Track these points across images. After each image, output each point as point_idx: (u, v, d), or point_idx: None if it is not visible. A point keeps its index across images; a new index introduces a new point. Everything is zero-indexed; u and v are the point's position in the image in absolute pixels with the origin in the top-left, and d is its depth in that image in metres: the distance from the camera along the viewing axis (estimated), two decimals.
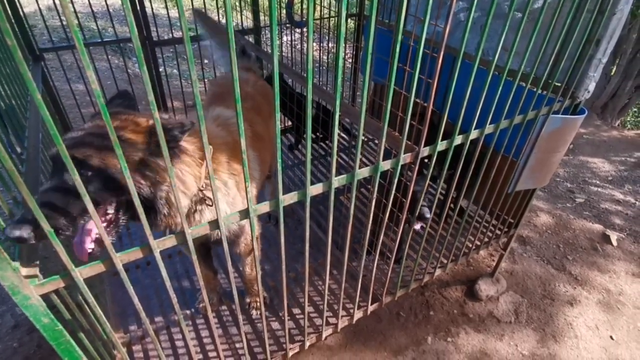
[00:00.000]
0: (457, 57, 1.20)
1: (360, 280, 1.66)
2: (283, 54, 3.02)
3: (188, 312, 1.99)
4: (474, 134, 1.48)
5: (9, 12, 2.03)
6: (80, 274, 0.92)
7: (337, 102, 1.04)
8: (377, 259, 1.66)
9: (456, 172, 1.59)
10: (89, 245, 1.10)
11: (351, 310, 1.86)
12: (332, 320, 1.85)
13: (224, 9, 0.78)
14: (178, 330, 1.90)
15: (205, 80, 4.92)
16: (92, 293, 1.14)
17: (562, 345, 2.38)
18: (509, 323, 2.48)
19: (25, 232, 0.89)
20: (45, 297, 0.95)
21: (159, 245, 0.99)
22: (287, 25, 2.95)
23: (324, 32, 3.33)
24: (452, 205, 2.39)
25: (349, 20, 2.97)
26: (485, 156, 1.66)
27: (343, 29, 0.94)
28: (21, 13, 2.08)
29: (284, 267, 1.32)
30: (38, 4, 2.23)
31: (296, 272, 2.27)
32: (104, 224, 1.13)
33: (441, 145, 1.42)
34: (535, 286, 2.74)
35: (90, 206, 0.80)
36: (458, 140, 1.45)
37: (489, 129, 1.52)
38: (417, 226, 1.87)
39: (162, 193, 1.16)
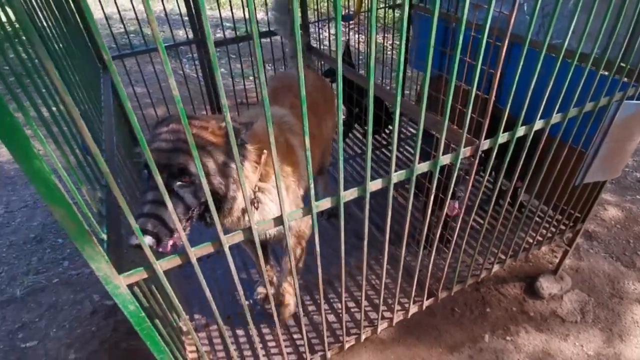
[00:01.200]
0: (521, 44, 1.14)
1: (416, 275, 1.64)
2: (331, 48, 3.01)
3: (247, 303, 2.08)
4: (538, 125, 1.41)
5: (80, 23, 2.21)
6: (161, 266, 1.00)
7: (398, 100, 1.03)
8: (434, 253, 1.63)
9: (517, 165, 1.52)
10: (170, 243, 1.17)
11: (406, 305, 1.85)
12: (387, 314, 1.85)
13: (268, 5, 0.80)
14: (238, 320, 2.00)
15: (250, 77, 5.06)
16: (159, 284, 1.23)
17: (628, 344, 2.22)
18: (574, 323, 2.35)
19: (149, 240, 1.05)
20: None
21: (229, 240, 1.04)
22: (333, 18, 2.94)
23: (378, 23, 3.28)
24: (510, 200, 2.28)
25: (395, 10, 2.90)
26: (550, 148, 1.57)
27: (405, 23, 0.93)
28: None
29: (343, 261, 1.34)
30: (104, 13, 2.39)
31: (349, 267, 2.29)
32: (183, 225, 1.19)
33: (503, 138, 1.36)
34: (603, 284, 2.56)
35: (174, 216, 0.90)
36: (521, 131, 1.38)
37: (555, 118, 1.44)
38: (454, 206, 1.81)
39: (232, 193, 1.21)
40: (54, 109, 1.18)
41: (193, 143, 0.81)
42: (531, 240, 2.12)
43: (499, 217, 1.75)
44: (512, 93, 1.24)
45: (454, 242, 1.63)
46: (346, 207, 1.18)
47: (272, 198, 1.47)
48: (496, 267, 2.05)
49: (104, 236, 1.07)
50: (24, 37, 1.13)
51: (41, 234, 2.93)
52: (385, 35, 4.22)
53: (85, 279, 2.60)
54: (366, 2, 2.81)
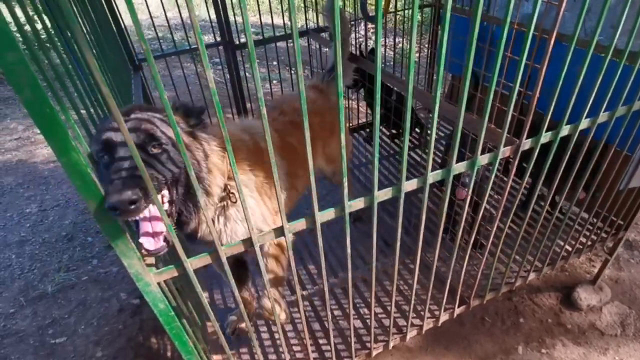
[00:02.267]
0: (561, 41, 1.07)
1: (449, 281, 1.58)
2: (358, 48, 2.98)
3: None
4: (584, 124, 1.33)
5: (113, 27, 2.27)
6: (191, 264, 0.98)
7: (437, 102, 0.99)
8: (466, 259, 1.57)
9: (559, 168, 1.44)
10: (161, 243, 1.04)
11: (436, 312, 1.78)
12: (417, 321, 1.79)
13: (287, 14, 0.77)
14: (262, 322, 1.97)
15: (274, 81, 5.09)
16: (178, 286, 1.22)
17: None
18: (614, 336, 2.21)
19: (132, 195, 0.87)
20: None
21: (260, 239, 1.02)
22: (361, 19, 2.91)
23: (399, 26, 3.23)
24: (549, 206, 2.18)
25: (424, 10, 2.85)
26: (595, 150, 1.48)
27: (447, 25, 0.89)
28: (122, 26, 2.30)
29: (374, 264, 1.29)
30: (135, 17, 2.44)
31: (377, 271, 2.23)
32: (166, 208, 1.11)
33: (545, 137, 1.29)
34: None
35: (150, 185, 0.80)
36: (565, 131, 1.31)
37: (603, 117, 1.35)
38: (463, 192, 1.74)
39: (203, 174, 1.20)
40: (84, 110, 1.19)
41: (172, 118, 0.76)
42: (570, 249, 2.01)
43: (536, 223, 1.67)
44: (555, 94, 1.17)
45: (488, 247, 1.56)
46: (364, 212, 1.13)
47: (250, 192, 1.42)
48: (532, 276, 1.95)
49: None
50: (58, 43, 1.13)
51: (72, 233, 3.01)
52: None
53: (112, 277, 2.64)
54: (393, 3, 2.76)
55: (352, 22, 3.06)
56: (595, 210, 1.84)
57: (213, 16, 2.57)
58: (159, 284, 0.99)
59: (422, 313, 1.69)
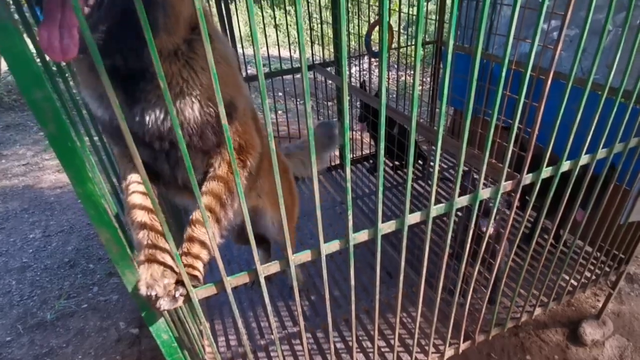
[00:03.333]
0: (558, 80, 1.12)
1: (452, 316, 1.56)
2: (361, 81, 3.08)
3: (269, 338, 2.02)
4: (584, 159, 1.35)
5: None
6: (197, 294, 0.99)
7: (440, 135, 1.02)
8: (470, 294, 1.55)
9: (561, 201, 1.46)
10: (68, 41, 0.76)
11: (441, 348, 1.74)
12: (421, 356, 1.75)
13: (296, 44, 0.81)
14: (263, 354, 1.93)
15: (279, 111, 5.21)
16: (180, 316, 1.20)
17: None
18: None
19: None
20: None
21: (264, 270, 1.03)
22: (365, 54, 3.03)
23: (402, 61, 3.34)
24: (553, 240, 2.18)
25: (426, 46, 2.96)
26: (595, 185, 1.50)
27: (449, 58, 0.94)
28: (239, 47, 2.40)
29: (377, 297, 1.29)
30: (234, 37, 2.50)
31: (370, 305, 2.21)
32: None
33: (546, 172, 1.32)
34: None
35: None
36: (565, 166, 1.33)
37: (601, 153, 1.38)
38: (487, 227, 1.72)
39: None
40: (95, 138, 1.23)
41: None
42: (575, 283, 1.99)
43: (540, 257, 1.67)
44: (554, 130, 1.21)
45: (492, 280, 1.55)
46: (366, 244, 1.14)
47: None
48: (538, 311, 1.92)
49: None
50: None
51: (74, 259, 3.00)
52: (411, 71, 4.28)
53: (112, 305, 2.61)
54: (396, 39, 2.88)
55: (356, 56, 3.18)
56: (598, 243, 1.84)
57: None
58: (163, 314, 0.99)
59: (427, 348, 1.65)
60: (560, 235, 1.72)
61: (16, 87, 6.06)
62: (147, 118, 0.98)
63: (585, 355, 2.22)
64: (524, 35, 2.05)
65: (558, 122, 1.19)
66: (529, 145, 1.21)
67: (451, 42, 0.93)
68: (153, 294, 0.87)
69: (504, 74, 1.01)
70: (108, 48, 0.71)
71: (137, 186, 1.05)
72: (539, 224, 1.50)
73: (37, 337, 2.41)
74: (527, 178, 1.29)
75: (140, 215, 1.00)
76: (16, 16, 0.87)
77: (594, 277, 2.04)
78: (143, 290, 0.86)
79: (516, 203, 1.34)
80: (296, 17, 0.71)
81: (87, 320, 2.50)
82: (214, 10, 2.50)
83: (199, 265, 1.04)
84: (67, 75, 1.15)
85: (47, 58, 0.91)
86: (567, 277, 1.95)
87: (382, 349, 1.93)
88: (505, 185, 1.27)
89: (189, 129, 1.01)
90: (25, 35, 0.61)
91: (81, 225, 3.38)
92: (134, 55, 0.89)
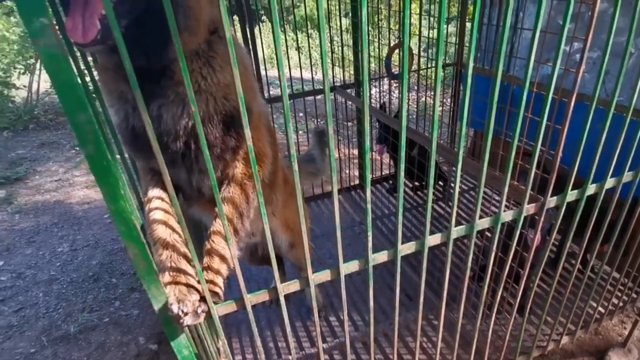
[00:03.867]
0: (581, 101, 1.11)
1: (475, 342, 1.51)
2: (381, 103, 3.12)
3: (286, 359, 2.00)
4: (609, 183, 1.32)
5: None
6: (217, 311, 1.00)
7: (460, 156, 1.03)
8: (493, 319, 1.51)
9: (588, 225, 1.42)
10: (88, 23, 0.81)
11: None
12: None
13: (317, 66, 0.84)
14: None
15: (300, 131, 5.29)
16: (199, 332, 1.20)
17: None
18: None
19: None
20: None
21: (284, 289, 1.04)
22: (385, 76, 3.07)
23: (422, 82, 3.37)
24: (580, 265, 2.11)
25: (446, 69, 2.98)
26: (623, 209, 1.46)
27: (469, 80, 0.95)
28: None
29: (396, 319, 1.27)
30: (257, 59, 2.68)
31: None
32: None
33: (571, 195, 1.29)
34: None
35: None
36: (591, 189, 1.30)
37: (627, 176, 1.35)
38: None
39: None
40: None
41: None
42: (603, 310, 1.90)
43: (567, 282, 1.61)
44: (579, 153, 1.19)
45: (516, 306, 1.50)
46: (391, 263, 1.13)
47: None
48: (565, 340, 1.84)
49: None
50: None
51: (98, 273, 3.08)
52: (431, 92, 4.31)
53: (133, 320, 2.65)
54: (416, 61, 2.92)
55: (376, 78, 3.23)
56: (625, 269, 1.77)
57: None
58: (184, 330, 1.01)
59: None
60: (587, 260, 1.66)
61: (52, 107, 6.41)
62: (165, 115, 0.99)
63: None
64: (546, 58, 2.04)
65: (582, 143, 1.17)
66: (553, 167, 1.20)
67: (471, 64, 0.95)
68: (184, 310, 0.89)
69: (525, 95, 1.02)
70: (130, 46, 0.73)
71: (158, 202, 1.06)
72: (565, 248, 1.46)
73: (60, 350, 2.46)
74: (551, 201, 1.27)
75: (161, 233, 1.02)
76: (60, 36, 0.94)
77: (621, 303, 1.96)
78: (175, 307, 0.89)
79: (540, 225, 1.31)
80: (320, 42, 0.74)
81: (108, 335, 2.55)
82: (239, 34, 2.60)
83: (220, 281, 1.06)
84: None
85: (74, 47, 0.92)
86: (594, 304, 1.87)
87: None
88: (528, 208, 1.25)
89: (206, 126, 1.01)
90: (71, 62, 0.66)
91: (106, 241, 3.48)
92: (157, 53, 0.92)
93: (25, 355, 2.44)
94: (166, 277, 0.96)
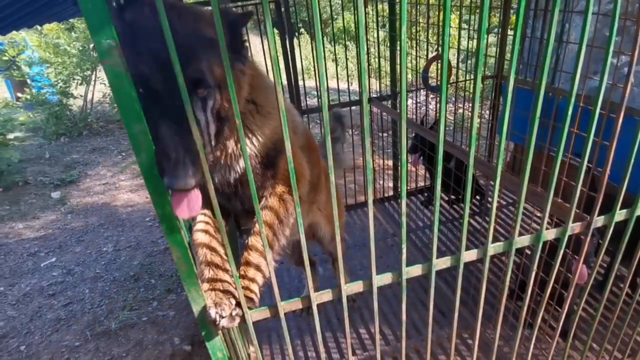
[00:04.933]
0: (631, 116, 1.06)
1: None
2: (418, 115, 3.10)
3: None
4: None
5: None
6: (251, 317, 1.03)
7: (499, 171, 1.01)
8: (533, 342, 1.44)
9: (637, 248, 1.33)
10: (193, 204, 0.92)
11: None
12: None
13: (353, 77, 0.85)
14: None
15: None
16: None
17: None
18: None
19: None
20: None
21: (317, 298, 1.05)
22: (422, 88, 3.05)
23: (459, 94, 3.32)
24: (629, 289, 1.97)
25: (486, 81, 2.92)
26: None
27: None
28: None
29: (429, 336, 1.25)
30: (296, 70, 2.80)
31: (420, 344, 2.11)
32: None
33: (620, 215, 1.22)
34: None
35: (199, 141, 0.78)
36: None
37: None
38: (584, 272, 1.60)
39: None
40: None
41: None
42: None
43: (614, 307, 1.51)
44: (628, 170, 1.13)
45: (559, 330, 1.43)
46: (424, 277, 1.12)
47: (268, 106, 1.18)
48: None
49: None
50: None
51: (139, 273, 3.24)
52: (469, 105, 4.23)
53: (169, 321, 2.76)
54: (455, 74, 2.88)
55: (413, 90, 3.21)
56: None
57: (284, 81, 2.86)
58: (220, 332, 1.04)
59: None
60: (637, 284, 1.55)
61: (103, 116, 6.86)
62: (215, 176, 1.17)
63: None
64: (593, 71, 1.95)
65: (632, 159, 1.11)
66: (601, 185, 1.14)
67: (512, 75, 0.93)
68: (222, 313, 0.93)
69: (570, 109, 0.99)
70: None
71: (202, 225, 1.16)
72: (613, 270, 1.37)
73: (101, 345, 2.60)
74: (598, 220, 1.21)
75: (203, 253, 1.10)
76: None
77: None
78: (212, 311, 0.94)
79: (587, 246, 1.25)
80: (358, 55, 0.76)
81: (146, 333, 2.66)
82: (279, 42, 2.67)
83: (255, 287, 1.09)
84: None
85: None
86: None
87: None
88: (573, 227, 1.19)
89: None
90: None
91: (146, 243, 3.65)
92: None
93: (71, 348, 2.59)
94: (205, 286, 1.01)
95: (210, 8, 0.72)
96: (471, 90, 3.30)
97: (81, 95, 6.55)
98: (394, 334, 2.17)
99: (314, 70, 3.05)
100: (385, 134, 3.92)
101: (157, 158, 0.79)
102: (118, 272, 3.28)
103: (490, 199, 2.06)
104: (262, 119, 1.17)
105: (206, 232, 1.14)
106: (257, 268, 1.12)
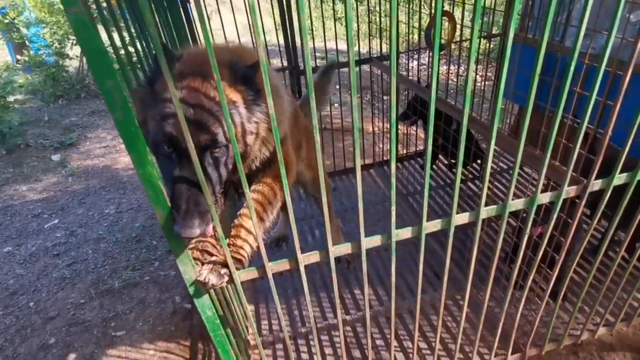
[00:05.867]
0: None
1: (501, 325, 1.48)
2: (421, 77, 3.00)
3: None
4: None
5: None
6: (239, 277, 1.04)
7: (494, 132, 0.97)
8: (522, 302, 1.46)
9: (638, 212, 1.31)
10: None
11: (486, 357, 1.66)
12: None
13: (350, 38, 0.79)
14: (303, 342, 1.98)
15: (335, 104, 5.22)
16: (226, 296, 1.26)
17: None
18: None
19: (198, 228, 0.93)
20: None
21: (305, 259, 1.05)
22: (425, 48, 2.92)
23: (465, 55, 3.18)
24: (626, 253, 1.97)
25: (493, 39, 2.78)
26: None
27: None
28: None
29: (419, 296, 1.26)
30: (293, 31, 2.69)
31: (424, 303, 2.15)
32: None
33: (619, 179, 1.19)
34: None
35: (209, 197, 0.88)
36: None
37: None
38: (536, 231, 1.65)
39: (248, 151, 1.11)
40: None
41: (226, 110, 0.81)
42: None
43: (608, 270, 1.51)
44: (632, 131, 1.08)
45: (549, 291, 1.44)
46: (407, 244, 1.12)
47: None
48: (602, 330, 1.75)
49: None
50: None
51: (140, 235, 3.29)
52: (476, 65, 4.07)
53: (170, 280, 2.83)
54: (459, 32, 2.74)
55: (416, 51, 3.08)
56: None
57: (282, 41, 2.74)
58: (208, 292, 1.06)
59: (470, 355, 1.59)
60: (636, 248, 1.54)
61: None
62: None
63: None
64: (606, 27, 1.84)
65: (638, 121, 1.07)
66: (601, 146, 1.10)
67: (512, 31, 0.87)
68: (209, 272, 0.97)
69: (572, 66, 0.93)
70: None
71: None
72: (608, 235, 1.36)
73: (106, 302, 2.68)
74: (595, 184, 1.18)
75: None
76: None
77: None
78: (201, 271, 0.97)
79: (580, 211, 1.23)
80: (345, 12, 0.71)
81: (148, 292, 2.74)
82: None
83: (243, 252, 1.10)
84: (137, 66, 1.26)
85: None
86: (639, 296, 1.75)
87: (424, 351, 1.89)
88: (569, 191, 1.17)
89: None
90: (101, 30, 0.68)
91: (148, 205, 3.68)
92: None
93: (76, 305, 2.68)
94: (192, 246, 1.02)
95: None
96: (481, 52, 3.17)
97: (77, 56, 6.39)
98: (389, 295, 2.22)
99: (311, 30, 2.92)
100: (386, 97, 3.81)
101: (172, 205, 0.90)
102: (120, 234, 3.33)
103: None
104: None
105: None
106: (248, 231, 1.13)
